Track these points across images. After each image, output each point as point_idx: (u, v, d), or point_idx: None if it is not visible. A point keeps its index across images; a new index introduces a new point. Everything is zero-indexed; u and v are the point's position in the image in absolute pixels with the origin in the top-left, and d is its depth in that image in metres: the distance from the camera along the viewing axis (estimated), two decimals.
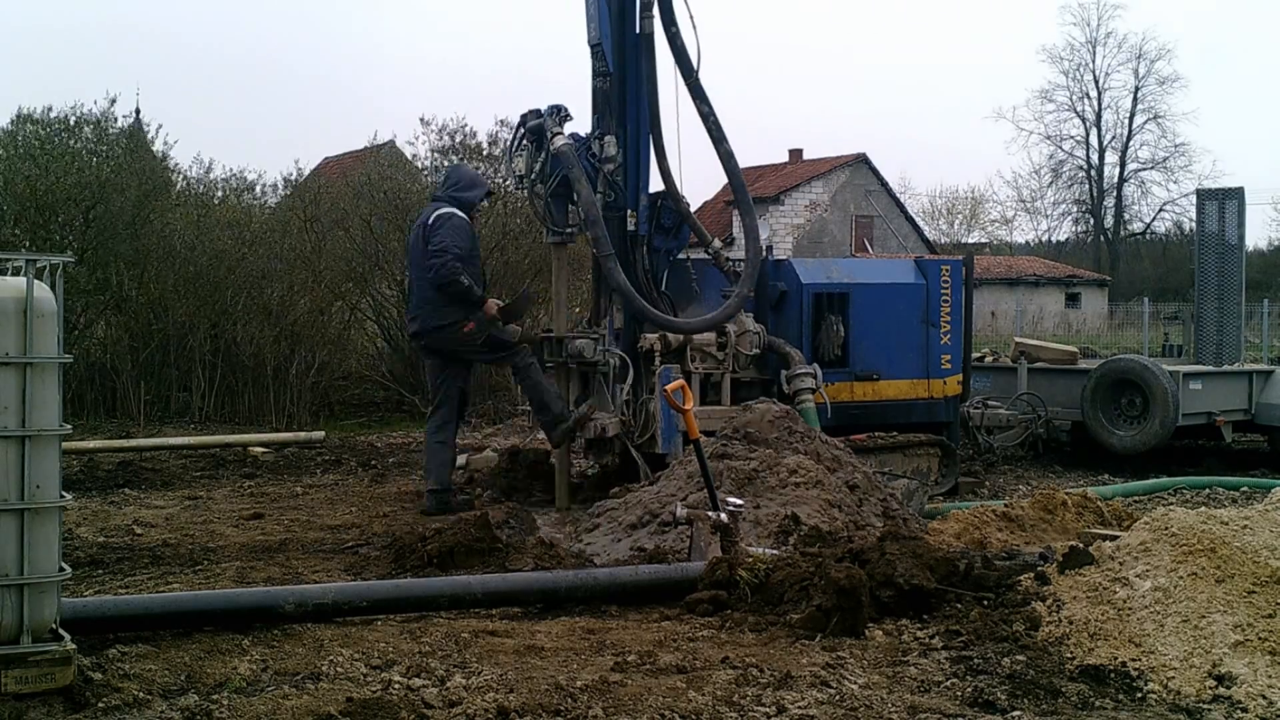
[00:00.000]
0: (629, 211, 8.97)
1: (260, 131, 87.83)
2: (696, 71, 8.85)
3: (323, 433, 12.54)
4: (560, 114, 8.73)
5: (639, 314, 8.63)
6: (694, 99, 8.92)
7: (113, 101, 16.55)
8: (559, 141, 8.51)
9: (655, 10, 8.86)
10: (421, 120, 19.15)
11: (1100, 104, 59.70)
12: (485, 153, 17.45)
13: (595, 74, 8.87)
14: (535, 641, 4.92)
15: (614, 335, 8.92)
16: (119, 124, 16.77)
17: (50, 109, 16.60)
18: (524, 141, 8.82)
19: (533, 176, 8.74)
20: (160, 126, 35.84)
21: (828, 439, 7.74)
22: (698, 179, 46.56)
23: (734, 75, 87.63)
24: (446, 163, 17.60)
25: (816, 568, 5.30)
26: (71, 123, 16.21)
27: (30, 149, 15.55)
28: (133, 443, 11.56)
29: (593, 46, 8.78)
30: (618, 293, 8.64)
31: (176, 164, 18.20)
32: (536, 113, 8.81)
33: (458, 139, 17.48)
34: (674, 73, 8.93)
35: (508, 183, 9.48)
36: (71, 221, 14.91)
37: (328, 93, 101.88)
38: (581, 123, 8.89)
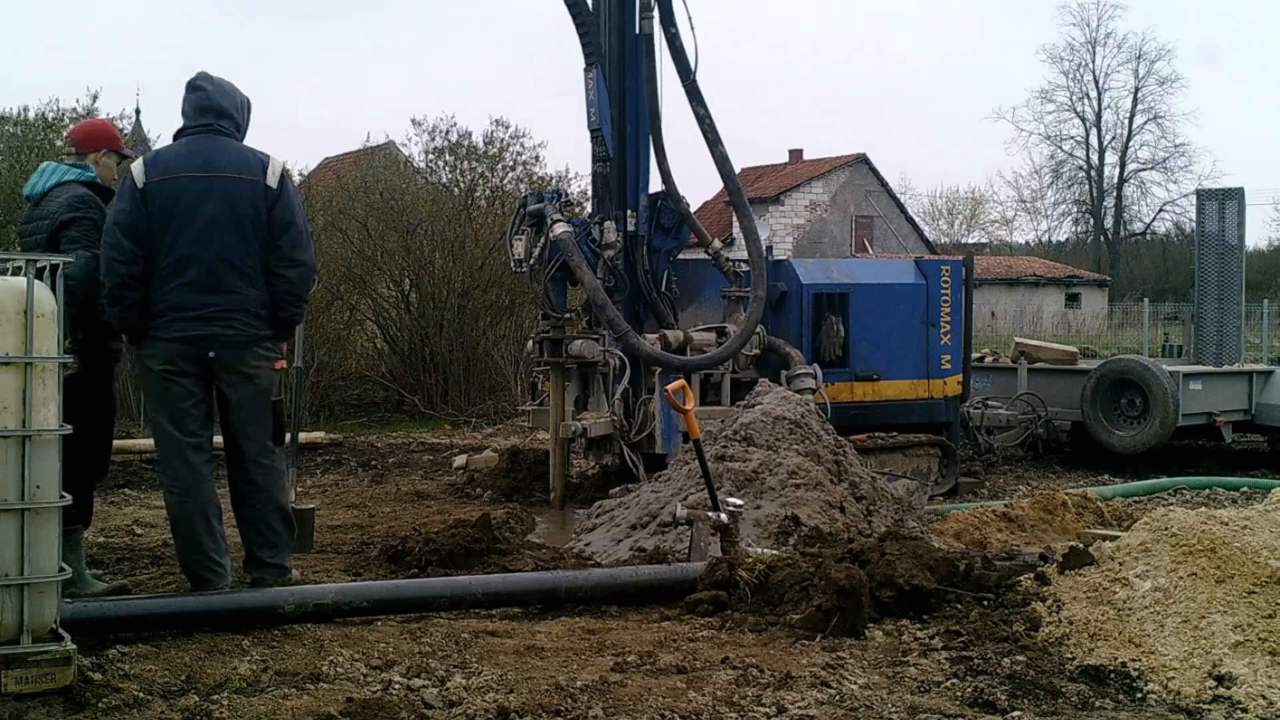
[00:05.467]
0: (629, 211, 8.99)
1: (262, 131, 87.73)
2: (694, 73, 8.86)
3: (321, 433, 12.53)
4: (560, 200, 8.77)
5: (682, 369, 8.44)
6: (691, 101, 8.93)
7: (95, 98, 16.52)
8: (559, 229, 8.49)
9: (655, 11, 8.88)
10: (413, 121, 19.13)
11: (1100, 104, 59.71)
12: (482, 152, 17.44)
13: (595, 158, 8.93)
14: (535, 642, 4.92)
15: (615, 337, 8.92)
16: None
17: (26, 109, 16.55)
18: (523, 225, 8.80)
19: (531, 261, 8.71)
20: (159, 136, 35.78)
21: (843, 440, 7.72)
22: (698, 179, 46.51)
23: (734, 75, 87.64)
24: (442, 163, 17.58)
25: (816, 568, 5.30)
26: (50, 118, 16.12)
27: (9, 150, 15.50)
28: (133, 443, 11.55)
29: (593, 132, 8.82)
30: (653, 363, 8.58)
31: None
32: (537, 196, 8.85)
33: (451, 139, 17.46)
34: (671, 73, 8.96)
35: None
36: None
37: (328, 91, 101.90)
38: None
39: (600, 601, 5.55)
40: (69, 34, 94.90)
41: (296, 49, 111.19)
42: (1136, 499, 9.60)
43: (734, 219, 47.08)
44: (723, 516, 5.99)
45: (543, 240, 8.60)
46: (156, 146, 18.37)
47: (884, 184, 48.65)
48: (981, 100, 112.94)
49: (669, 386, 6.38)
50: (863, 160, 47.70)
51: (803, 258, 29.18)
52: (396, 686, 4.30)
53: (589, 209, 9.58)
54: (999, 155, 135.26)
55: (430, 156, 17.66)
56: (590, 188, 9.37)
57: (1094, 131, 59.87)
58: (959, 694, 4.33)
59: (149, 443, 11.48)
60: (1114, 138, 59.83)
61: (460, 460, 10.67)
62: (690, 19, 8.91)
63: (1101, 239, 60.13)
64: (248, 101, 5.66)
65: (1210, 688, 4.32)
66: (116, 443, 11.31)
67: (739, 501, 6.28)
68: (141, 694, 4.12)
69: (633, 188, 9.04)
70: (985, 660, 4.64)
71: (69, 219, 5.45)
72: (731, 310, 9.36)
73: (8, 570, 4.02)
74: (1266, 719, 4.12)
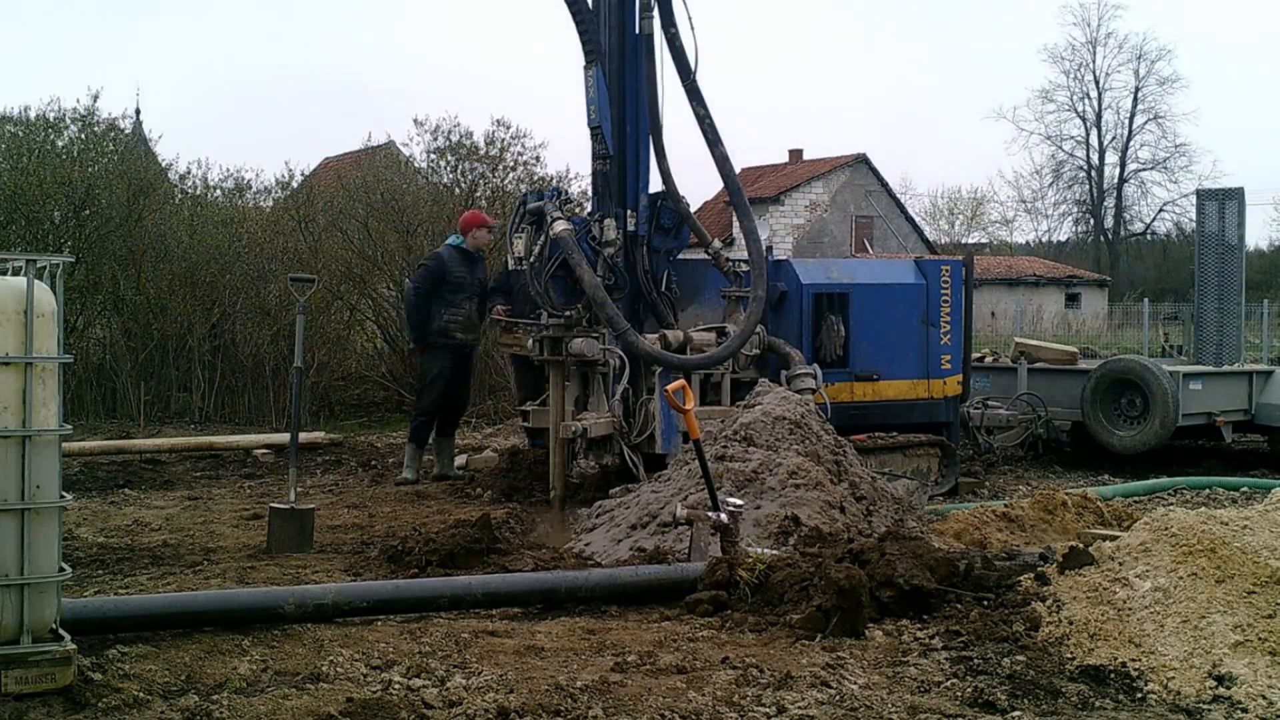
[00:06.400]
0: (629, 211, 8.98)
1: (261, 132, 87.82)
2: (694, 73, 8.84)
3: (321, 433, 12.53)
4: (560, 197, 8.76)
5: (681, 369, 8.38)
6: (691, 101, 8.90)
7: (95, 97, 16.47)
8: (559, 226, 8.45)
9: (655, 10, 8.86)
10: (415, 121, 19.10)
11: (1100, 104, 59.70)
12: (482, 152, 17.43)
13: (595, 156, 8.88)
14: (535, 641, 4.92)
15: (614, 335, 8.91)
16: (104, 121, 16.62)
17: (28, 108, 16.49)
18: (523, 223, 8.77)
19: (531, 259, 8.68)
20: (161, 136, 35.86)
21: (843, 440, 7.72)
22: (698, 179, 46.46)
23: (734, 75, 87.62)
24: (444, 163, 17.61)
25: (816, 568, 5.30)
26: (51, 118, 16.09)
27: (11, 150, 15.49)
28: (133, 443, 11.56)
29: (592, 129, 8.79)
30: (652, 361, 8.52)
31: (172, 163, 18.14)
32: (538, 194, 8.83)
33: (453, 139, 17.44)
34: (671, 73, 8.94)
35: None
36: (65, 221, 14.90)
37: (328, 92, 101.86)
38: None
39: (600, 601, 5.55)
40: (69, 33, 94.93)
41: (298, 47, 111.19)
42: (1136, 499, 9.60)
43: (734, 219, 47.05)
44: (723, 516, 5.98)
45: (543, 238, 8.59)
46: (156, 147, 18.46)
47: (884, 184, 48.64)
48: (981, 100, 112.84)
49: (669, 386, 6.38)
50: (863, 160, 47.70)
51: (803, 258, 29.18)
52: (396, 686, 4.30)
53: (589, 208, 9.56)
54: (999, 155, 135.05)
55: (431, 157, 17.66)
56: (590, 186, 9.36)
57: (1094, 131, 59.91)
58: (959, 694, 4.33)
59: (148, 443, 11.55)
60: (1114, 138, 59.87)
61: (460, 460, 10.67)
62: (690, 19, 8.89)
63: (1101, 239, 60.13)
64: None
65: (1210, 688, 4.32)
66: (116, 443, 11.39)
67: (739, 501, 6.28)
68: (141, 694, 4.12)
69: (633, 187, 9.02)
70: (985, 660, 4.65)
71: None
72: (731, 310, 9.35)
73: (8, 570, 4.02)
74: (1266, 719, 4.12)
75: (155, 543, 7.27)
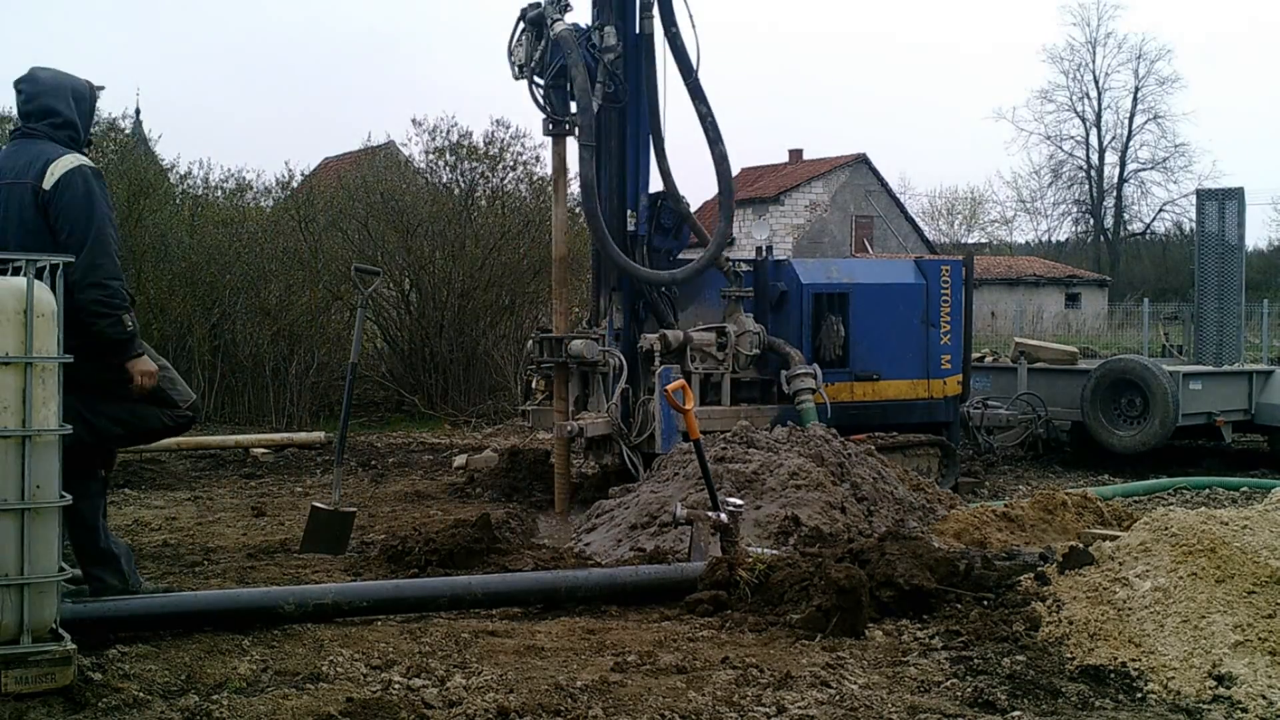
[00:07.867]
0: (629, 211, 8.97)
1: (260, 132, 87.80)
2: (696, 72, 8.85)
3: (321, 434, 12.52)
4: (560, 3, 8.66)
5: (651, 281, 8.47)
6: (693, 99, 8.92)
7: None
8: (559, 27, 8.44)
9: (655, 10, 8.87)
10: (413, 121, 19.11)
11: (1100, 104, 59.66)
12: (482, 152, 17.42)
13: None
14: (535, 641, 4.92)
15: (613, 335, 8.92)
16: (104, 121, 16.60)
17: None
18: (523, 35, 8.68)
19: (532, 65, 8.62)
20: (160, 136, 35.88)
21: (844, 441, 7.71)
22: (698, 179, 46.45)
23: (734, 75, 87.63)
24: (443, 163, 17.57)
25: (816, 568, 5.30)
26: None
27: None
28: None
29: None
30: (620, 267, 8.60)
31: (173, 164, 18.15)
32: (536, 4, 8.70)
33: (452, 139, 17.44)
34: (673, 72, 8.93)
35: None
36: None
37: (329, 91, 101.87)
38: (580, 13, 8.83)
39: (600, 601, 5.55)
40: (68, 32, 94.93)
41: (298, 46, 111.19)
42: (1136, 499, 9.60)
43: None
44: (723, 516, 5.98)
45: (543, 44, 8.54)
46: (156, 146, 18.41)
47: (884, 184, 48.64)
48: (981, 100, 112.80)
49: (669, 386, 6.38)
50: (863, 160, 47.70)
51: (803, 258, 29.18)
52: (396, 686, 4.30)
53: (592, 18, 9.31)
54: (999, 155, 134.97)
55: (430, 156, 17.67)
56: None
57: (1094, 131, 59.85)
58: (959, 694, 4.33)
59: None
60: (1114, 138, 59.82)
61: (460, 460, 10.67)
62: (691, 18, 8.91)
63: (1101, 239, 60.09)
64: (82, 88, 5.18)
65: (1210, 688, 4.32)
66: None
67: (739, 501, 6.28)
68: (141, 694, 4.12)
69: (633, 187, 9.03)
70: (985, 660, 4.65)
71: None
72: (731, 310, 9.36)
73: (8, 570, 4.02)
74: (1266, 719, 4.12)
75: (155, 543, 7.27)
